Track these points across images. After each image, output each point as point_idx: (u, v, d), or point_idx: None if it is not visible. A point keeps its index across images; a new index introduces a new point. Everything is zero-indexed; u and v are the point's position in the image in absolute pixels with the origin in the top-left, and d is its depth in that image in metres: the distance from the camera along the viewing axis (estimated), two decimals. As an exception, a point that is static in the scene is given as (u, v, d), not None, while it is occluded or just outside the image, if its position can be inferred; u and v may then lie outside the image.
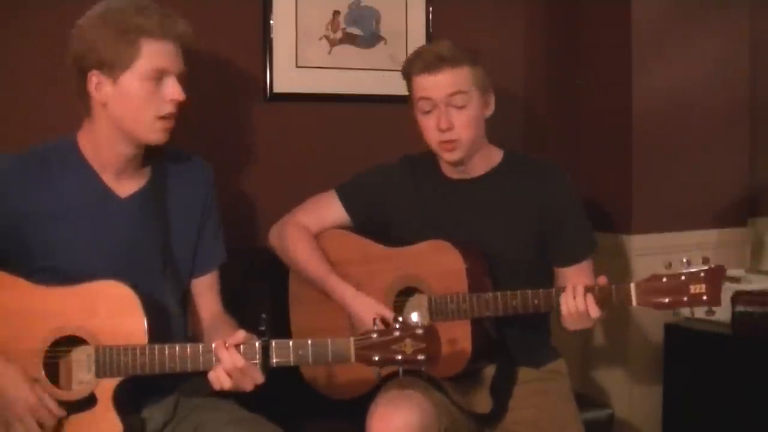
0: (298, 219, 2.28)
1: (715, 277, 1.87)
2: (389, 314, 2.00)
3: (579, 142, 3.04)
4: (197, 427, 1.88)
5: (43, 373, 1.76)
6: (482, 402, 2.13)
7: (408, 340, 1.72)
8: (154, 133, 1.83)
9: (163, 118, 1.83)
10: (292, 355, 1.74)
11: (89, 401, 1.76)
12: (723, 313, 2.66)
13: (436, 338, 1.74)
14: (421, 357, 1.72)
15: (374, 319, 1.77)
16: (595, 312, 1.93)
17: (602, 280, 1.97)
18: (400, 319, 1.74)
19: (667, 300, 1.88)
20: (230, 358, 1.71)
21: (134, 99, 1.79)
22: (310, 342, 1.75)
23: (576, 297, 1.93)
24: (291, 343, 1.75)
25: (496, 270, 2.12)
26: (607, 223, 2.87)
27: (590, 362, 2.96)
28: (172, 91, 1.81)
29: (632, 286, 1.91)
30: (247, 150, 2.64)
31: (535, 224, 2.16)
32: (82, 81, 1.81)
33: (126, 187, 1.90)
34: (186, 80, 1.86)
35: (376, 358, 1.72)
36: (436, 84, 2.10)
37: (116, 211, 1.88)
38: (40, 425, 1.73)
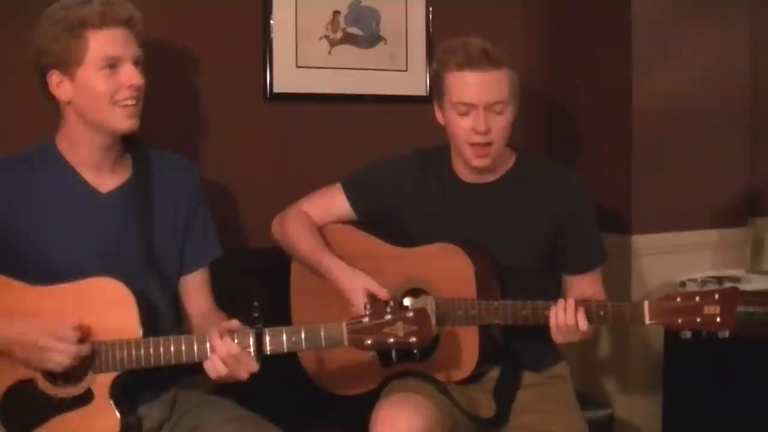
0: (302, 208, 2.27)
1: (730, 298, 1.84)
2: (377, 288, 2.00)
3: (579, 142, 3.04)
4: (195, 425, 1.89)
5: (39, 371, 1.77)
6: (485, 406, 2.13)
7: (399, 323, 1.74)
8: (120, 121, 1.86)
9: (121, 103, 1.85)
10: (285, 342, 1.76)
11: (86, 397, 1.77)
12: (723, 312, 2.67)
13: (427, 321, 1.76)
14: (412, 339, 1.74)
15: (365, 304, 1.79)
16: (583, 324, 1.92)
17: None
18: (392, 303, 1.77)
19: (680, 320, 1.87)
20: (224, 346, 1.73)
21: (94, 91, 1.83)
22: (302, 328, 1.77)
23: (567, 311, 1.92)
24: (284, 330, 1.77)
25: (504, 276, 2.11)
26: (607, 223, 2.84)
27: (591, 362, 2.95)
28: (129, 76, 1.84)
29: (645, 304, 1.90)
30: (247, 150, 2.64)
31: (547, 232, 2.14)
32: (44, 83, 1.86)
33: (107, 182, 1.92)
34: (144, 64, 1.89)
35: (369, 342, 1.75)
36: (479, 85, 2.02)
37: (99, 206, 1.90)
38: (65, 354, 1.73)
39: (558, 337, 1.96)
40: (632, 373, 2.86)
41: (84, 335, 1.74)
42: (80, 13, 1.80)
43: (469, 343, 2.06)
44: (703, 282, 1.89)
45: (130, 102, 1.85)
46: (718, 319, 1.85)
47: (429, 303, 2.08)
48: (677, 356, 2.76)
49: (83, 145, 1.89)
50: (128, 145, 1.96)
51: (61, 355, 1.72)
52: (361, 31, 2.78)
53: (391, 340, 1.74)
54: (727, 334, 1.86)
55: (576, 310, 1.91)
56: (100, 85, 1.82)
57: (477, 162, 2.09)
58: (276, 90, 2.66)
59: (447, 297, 2.05)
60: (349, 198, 2.25)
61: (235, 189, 2.63)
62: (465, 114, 2.05)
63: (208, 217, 2.06)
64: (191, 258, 2.02)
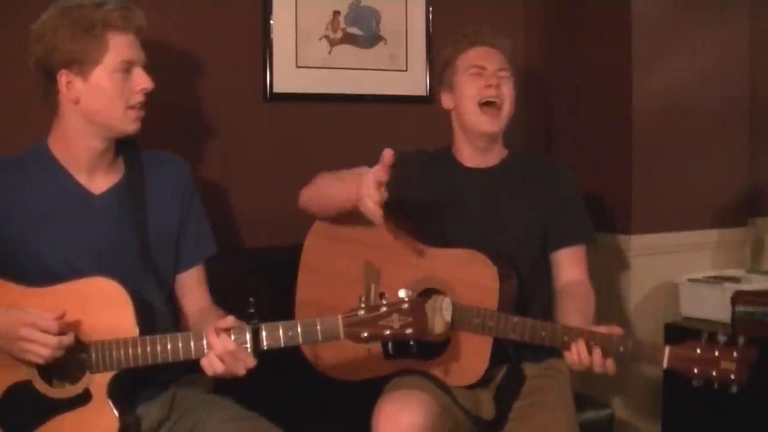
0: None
1: (747, 358, 1.88)
2: (376, 170, 1.91)
3: (579, 142, 3.04)
4: (195, 425, 1.88)
5: (36, 372, 1.77)
6: (486, 405, 2.13)
7: (395, 315, 1.75)
8: (128, 124, 1.88)
9: (133, 107, 1.87)
10: (282, 337, 1.76)
11: (84, 397, 1.77)
12: (723, 313, 2.66)
13: (422, 312, 1.76)
14: (408, 331, 1.75)
15: (360, 297, 1.80)
16: (600, 367, 1.95)
17: (616, 330, 1.96)
18: (387, 295, 1.77)
19: (696, 370, 1.90)
20: (221, 343, 1.73)
21: (106, 92, 1.84)
22: (299, 323, 1.77)
23: (581, 354, 1.93)
24: (280, 325, 1.77)
25: (521, 291, 2.14)
26: (607, 223, 2.87)
27: (590, 362, 2.95)
28: (141, 81, 1.87)
29: (666, 349, 1.92)
30: (247, 150, 2.64)
31: (541, 215, 2.22)
32: (49, 82, 1.85)
33: (100, 183, 1.93)
34: (148, 69, 1.90)
35: (365, 335, 1.75)
36: (489, 54, 2.26)
37: (92, 208, 1.90)
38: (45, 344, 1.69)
39: (576, 368, 1.98)
40: (631, 372, 2.86)
41: (66, 327, 1.72)
42: (101, 14, 1.81)
43: (481, 352, 2.04)
44: (724, 336, 1.89)
45: (140, 106, 1.88)
46: (732, 376, 1.88)
47: (444, 304, 2.06)
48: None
49: (79, 148, 1.89)
50: (120, 146, 1.96)
51: (42, 347, 1.69)
52: (361, 31, 2.78)
53: (387, 332, 1.75)
54: (736, 389, 1.88)
55: (592, 353, 1.93)
56: (116, 88, 1.84)
57: (488, 125, 2.22)
58: (276, 90, 2.66)
59: (466, 302, 2.03)
60: None
61: (235, 189, 2.63)
62: (477, 75, 2.23)
63: (201, 214, 2.06)
64: (186, 256, 2.02)
